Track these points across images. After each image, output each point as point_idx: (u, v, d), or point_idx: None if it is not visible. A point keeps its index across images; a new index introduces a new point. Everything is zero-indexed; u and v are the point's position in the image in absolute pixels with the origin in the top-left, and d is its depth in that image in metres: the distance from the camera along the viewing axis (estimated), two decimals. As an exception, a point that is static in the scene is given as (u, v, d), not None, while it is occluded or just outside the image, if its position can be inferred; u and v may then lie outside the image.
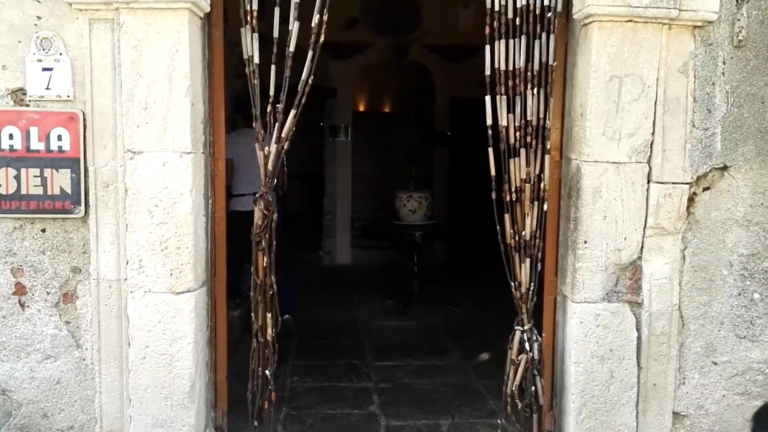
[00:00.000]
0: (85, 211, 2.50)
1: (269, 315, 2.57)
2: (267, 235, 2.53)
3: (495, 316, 5.65)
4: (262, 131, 2.55)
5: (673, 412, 2.62)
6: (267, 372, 2.61)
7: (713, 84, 2.50)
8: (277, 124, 2.55)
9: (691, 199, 2.53)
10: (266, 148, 2.55)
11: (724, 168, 2.53)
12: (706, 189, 2.54)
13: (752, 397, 2.62)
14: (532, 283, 2.59)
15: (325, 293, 6.18)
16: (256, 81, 2.55)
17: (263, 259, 2.53)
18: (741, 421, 2.63)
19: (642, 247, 2.52)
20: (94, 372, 2.56)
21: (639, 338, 2.55)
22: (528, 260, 2.57)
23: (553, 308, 2.77)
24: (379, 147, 9.42)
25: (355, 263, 7.64)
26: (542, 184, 2.57)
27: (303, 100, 2.55)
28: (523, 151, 2.56)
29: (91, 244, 2.51)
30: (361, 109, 8.79)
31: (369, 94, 8.66)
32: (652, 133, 2.49)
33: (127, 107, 2.48)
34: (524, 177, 2.56)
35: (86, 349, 2.55)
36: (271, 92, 2.55)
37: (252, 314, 2.58)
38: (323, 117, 7.71)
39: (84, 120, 2.48)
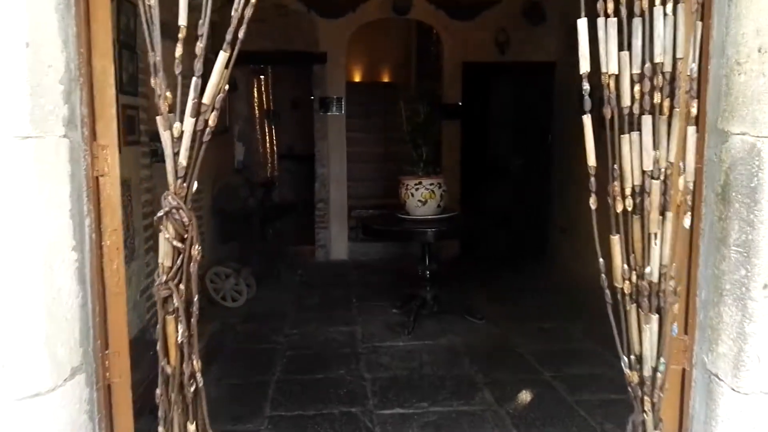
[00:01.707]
0: None
1: (192, 426, 1.40)
2: (182, 285, 1.35)
3: (526, 330, 4.23)
4: (168, 95, 1.35)
5: None
6: None
7: None
8: (194, 80, 1.35)
9: None
10: (176, 124, 1.35)
11: None
12: None
13: None
14: (662, 358, 1.42)
15: (317, 299, 5.03)
16: (152, 1, 1.34)
17: (177, 331, 1.36)
18: None
19: None
20: None
21: None
22: (655, 318, 1.40)
23: (680, 386, 1.61)
24: (378, 122, 8.19)
25: (353, 258, 6.48)
26: (682, 180, 1.38)
27: (241, 34, 1.35)
28: (647, 120, 1.37)
29: None
30: (357, 78, 7.55)
31: (365, 60, 7.41)
32: None
33: None
34: (650, 168, 1.37)
35: None
36: (182, 21, 1.34)
37: (159, 425, 1.41)
38: (311, 87, 6.48)
39: None
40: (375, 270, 6.05)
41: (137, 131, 3.30)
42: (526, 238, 6.29)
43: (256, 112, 8.24)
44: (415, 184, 4.16)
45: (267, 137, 9.31)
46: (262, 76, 8.41)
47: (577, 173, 6.14)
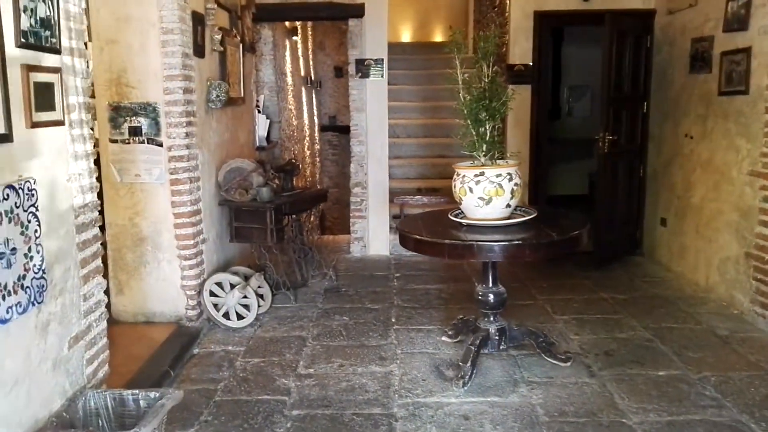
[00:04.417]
0: None
1: None
2: None
3: (632, 381, 2.80)
4: None
5: None
6: None
7: None
8: None
9: None
10: None
11: None
12: None
13: None
14: None
15: (346, 317, 3.83)
16: None
17: None
18: None
19: None
20: None
21: None
22: None
23: None
24: (429, 90, 6.83)
25: (396, 254, 5.24)
26: None
27: None
28: None
29: None
30: (403, 37, 6.20)
31: (413, 14, 6.04)
32: None
33: None
34: None
35: None
36: None
37: None
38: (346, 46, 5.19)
39: None
40: (422, 272, 4.79)
41: (59, 105, 2.14)
42: (617, 232, 4.87)
43: (290, 79, 7.03)
44: (475, 176, 2.84)
45: (305, 108, 8.12)
46: (295, 38, 7.16)
47: (687, 151, 4.62)
